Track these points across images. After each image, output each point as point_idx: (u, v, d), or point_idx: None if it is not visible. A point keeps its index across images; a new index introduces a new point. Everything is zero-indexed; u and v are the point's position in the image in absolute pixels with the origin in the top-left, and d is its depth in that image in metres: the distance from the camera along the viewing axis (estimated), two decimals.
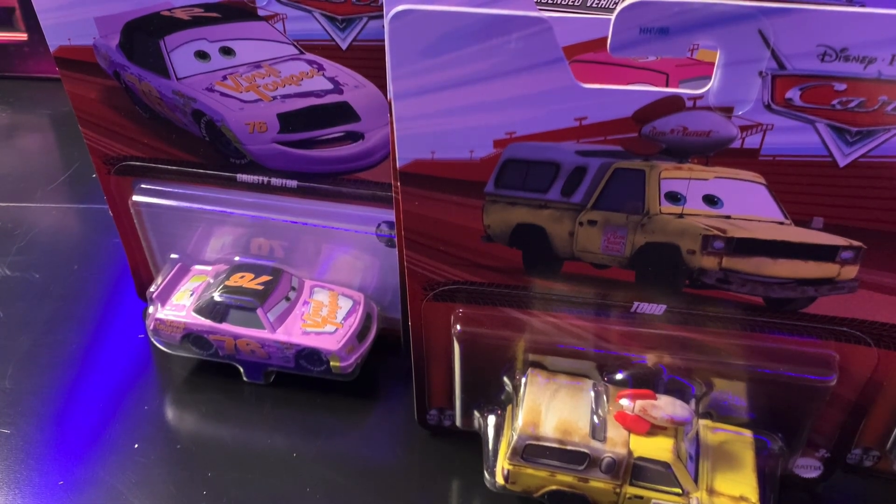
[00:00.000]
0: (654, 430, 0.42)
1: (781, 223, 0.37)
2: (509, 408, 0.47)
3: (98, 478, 0.49)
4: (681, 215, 0.38)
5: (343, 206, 0.52)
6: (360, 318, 0.54)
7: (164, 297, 0.56)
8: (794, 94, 0.33)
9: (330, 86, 0.47)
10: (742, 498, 0.41)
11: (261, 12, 0.45)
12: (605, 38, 0.33)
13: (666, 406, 0.41)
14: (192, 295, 0.55)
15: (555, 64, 0.34)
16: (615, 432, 0.42)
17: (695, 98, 0.34)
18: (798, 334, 0.41)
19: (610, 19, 0.33)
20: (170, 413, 0.54)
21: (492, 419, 0.47)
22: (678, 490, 0.42)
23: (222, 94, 0.49)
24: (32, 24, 0.97)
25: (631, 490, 0.42)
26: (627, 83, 0.42)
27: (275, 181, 0.52)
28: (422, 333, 0.46)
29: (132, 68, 0.49)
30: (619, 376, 0.44)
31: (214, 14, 0.46)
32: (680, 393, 0.43)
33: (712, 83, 0.34)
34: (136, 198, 0.56)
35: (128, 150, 0.54)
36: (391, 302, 0.56)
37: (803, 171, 0.35)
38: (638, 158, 0.37)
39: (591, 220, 0.40)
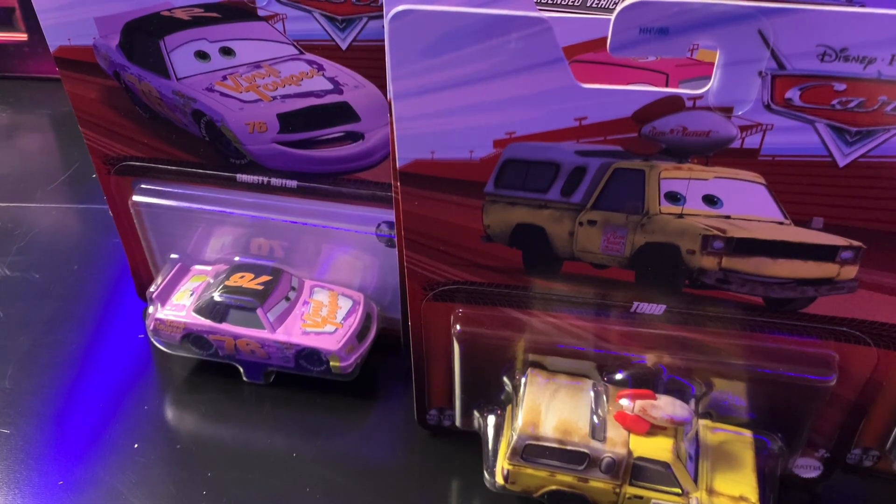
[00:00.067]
0: (653, 430, 0.42)
1: (781, 223, 0.37)
2: (509, 408, 0.47)
3: (98, 478, 0.49)
4: (680, 215, 0.38)
5: (343, 206, 0.52)
6: (360, 318, 0.54)
7: (164, 297, 0.56)
8: (793, 94, 0.33)
9: (330, 86, 0.47)
10: (742, 498, 0.41)
11: (261, 12, 0.45)
12: (605, 38, 0.33)
13: (666, 406, 0.41)
14: (192, 295, 0.55)
15: (555, 64, 0.34)
16: (615, 432, 0.42)
17: (695, 98, 0.34)
18: (798, 334, 0.41)
19: (610, 19, 0.33)
20: (170, 413, 0.54)
21: (492, 419, 0.47)
22: (678, 490, 0.42)
23: (222, 94, 0.49)
24: (32, 24, 0.97)
25: (631, 490, 0.42)
26: (627, 83, 0.42)
27: (275, 181, 0.52)
28: (422, 333, 0.46)
29: (132, 68, 0.49)
30: (618, 376, 0.44)
31: (214, 14, 0.46)
32: (680, 393, 0.43)
33: (712, 83, 0.34)
34: (136, 198, 0.56)
35: (128, 150, 0.54)
36: (391, 302, 0.56)
37: (803, 171, 0.35)
38: (638, 158, 0.37)
39: (590, 220, 0.40)
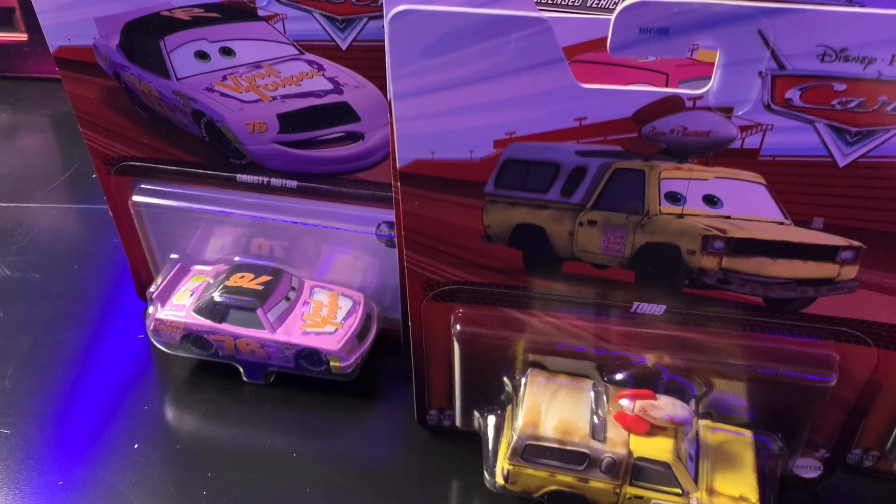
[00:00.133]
0: (653, 430, 0.42)
1: (781, 223, 0.37)
2: (509, 408, 0.47)
3: (98, 478, 0.49)
4: (681, 215, 0.38)
5: (343, 206, 0.52)
6: (360, 318, 0.54)
7: (164, 297, 0.56)
8: (793, 94, 0.33)
9: (330, 86, 0.47)
10: (742, 498, 0.41)
11: (261, 12, 0.45)
12: (605, 38, 0.33)
13: (666, 406, 0.41)
14: (192, 295, 0.55)
15: (555, 64, 0.34)
16: (615, 432, 0.42)
17: (695, 98, 0.34)
18: (798, 334, 0.41)
19: (610, 19, 0.33)
20: (170, 413, 0.54)
21: (492, 419, 0.47)
22: (678, 490, 0.42)
23: (222, 94, 0.49)
24: (32, 24, 0.97)
25: (631, 490, 0.42)
26: (627, 83, 0.42)
27: (275, 181, 0.52)
28: (422, 333, 0.46)
29: (132, 68, 0.49)
30: (618, 376, 0.44)
31: (214, 14, 0.46)
32: (680, 393, 0.43)
33: (712, 83, 0.34)
34: (136, 198, 0.56)
35: (128, 150, 0.54)
36: (391, 302, 0.56)
37: (803, 171, 0.35)
38: (638, 158, 0.37)
39: (590, 220, 0.40)
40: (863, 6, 0.32)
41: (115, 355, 0.59)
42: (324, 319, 0.54)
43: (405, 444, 0.52)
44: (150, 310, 0.56)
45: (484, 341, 0.45)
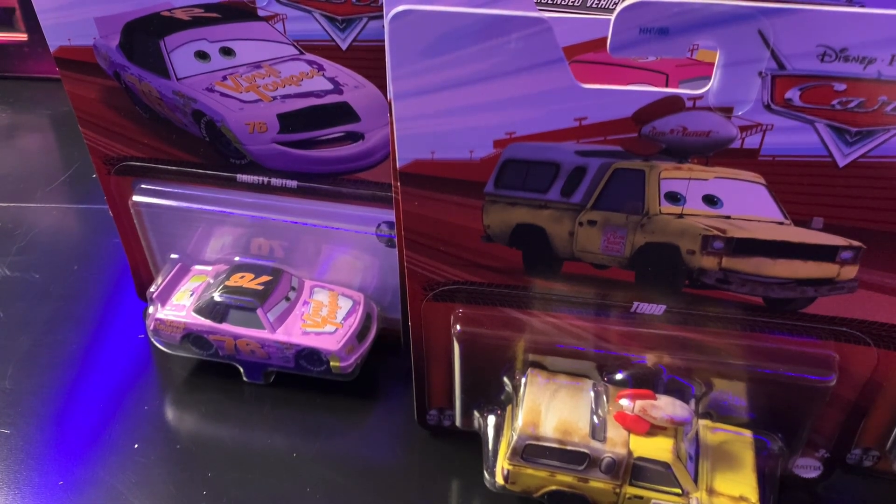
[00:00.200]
0: (653, 430, 0.42)
1: (781, 223, 0.37)
2: (509, 408, 0.47)
3: (98, 478, 0.49)
4: (680, 215, 0.38)
5: (343, 206, 0.52)
6: (360, 318, 0.54)
7: (164, 297, 0.56)
8: (793, 94, 0.33)
9: (330, 86, 0.48)
10: (742, 498, 0.41)
11: (261, 12, 0.45)
12: (605, 38, 0.33)
13: (666, 406, 0.41)
14: (192, 295, 0.55)
15: (555, 64, 0.34)
16: (615, 432, 0.42)
17: (695, 98, 0.34)
18: (798, 334, 0.41)
19: (610, 19, 0.33)
20: (170, 413, 0.54)
21: (492, 419, 0.47)
22: (678, 490, 0.42)
23: (222, 94, 0.49)
24: (32, 24, 0.97)
25: (631, 490, 0.42)
26: (627, 83, 0.42)
27: (275, 181, 0.52)
28: (422, 333, 0.46)
29: (132, 68, 0.49)
30: (618, 376, 0.44)
31: (214, 14, 0.46)
32: (680, 393, 0.43)
33: (712, 83, 0.34)
34: (136, 198, 0.56)
35: (128, 150, 0.54)
36: (391, 302, 0.56)
37: (803, 171, 0.35)
38: (638, 158, 0.37)
39: (590, 220, 0.40)
40: (863, 6, 0.32)
41: (115, 355, 0.59)
42: (324, 319, 0.54)
43: (405, 444, 0.52)
44: (150, 310, 0.56)
45: (484, 341, 0.45)
